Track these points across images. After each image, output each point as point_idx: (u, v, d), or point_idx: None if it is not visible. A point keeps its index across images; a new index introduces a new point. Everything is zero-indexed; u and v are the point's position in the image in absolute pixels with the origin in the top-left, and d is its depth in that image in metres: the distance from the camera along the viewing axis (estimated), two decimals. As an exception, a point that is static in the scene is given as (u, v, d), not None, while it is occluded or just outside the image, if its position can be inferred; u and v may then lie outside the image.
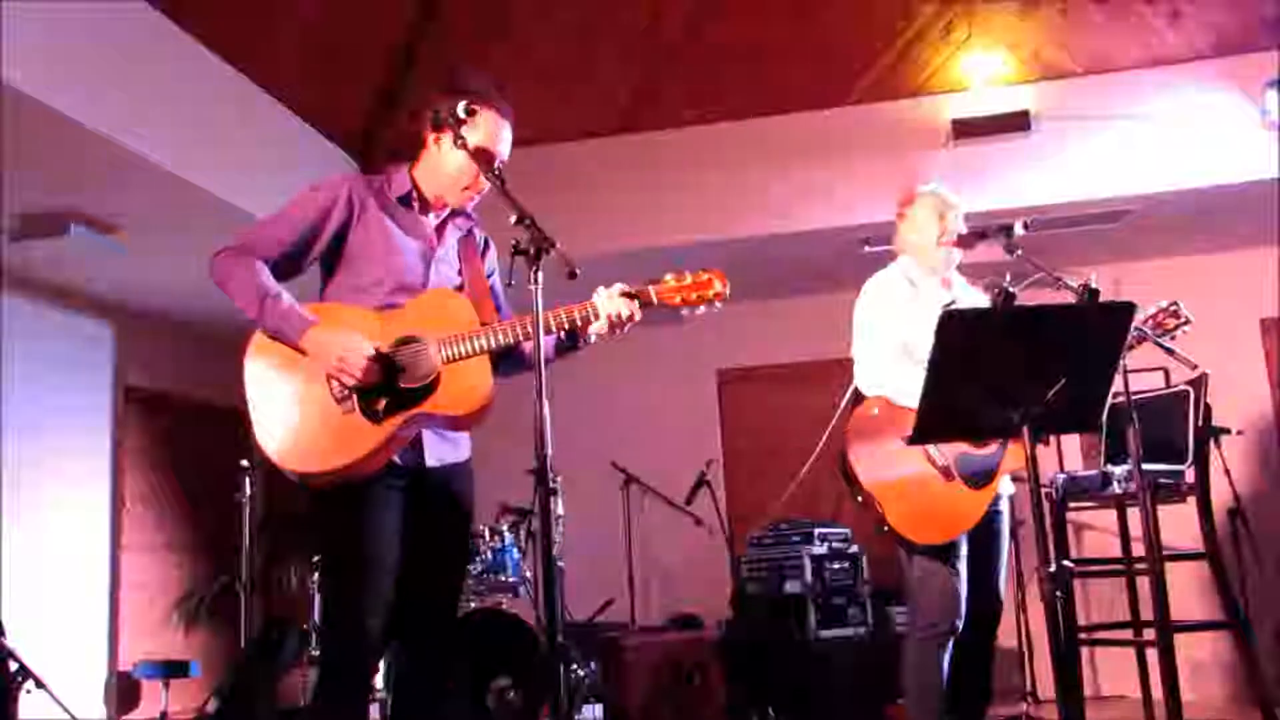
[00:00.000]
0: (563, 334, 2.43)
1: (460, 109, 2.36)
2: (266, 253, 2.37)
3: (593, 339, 2.45)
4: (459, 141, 2.36)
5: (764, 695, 5.03)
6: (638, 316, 2.40)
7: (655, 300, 2.42)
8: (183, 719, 5.50)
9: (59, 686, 4.49)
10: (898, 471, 3.01)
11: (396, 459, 2.33)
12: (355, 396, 2.27)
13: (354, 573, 2.26)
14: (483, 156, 2.39)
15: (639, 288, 2.41)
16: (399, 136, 5.28)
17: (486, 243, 2.65)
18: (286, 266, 2.40)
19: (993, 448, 3.01)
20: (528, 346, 2.44)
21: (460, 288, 2.49)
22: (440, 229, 2.53)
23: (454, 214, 2.55)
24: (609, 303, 2.37)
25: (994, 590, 3.15)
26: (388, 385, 2.28)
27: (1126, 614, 4.54)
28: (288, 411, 2.28)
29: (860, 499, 3.05)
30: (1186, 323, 3.13)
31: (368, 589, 2.24)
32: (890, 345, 3.14)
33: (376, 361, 2.26)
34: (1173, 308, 3.14)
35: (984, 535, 3.09)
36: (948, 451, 3.01)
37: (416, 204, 2.51)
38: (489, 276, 2.60)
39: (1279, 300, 5.83)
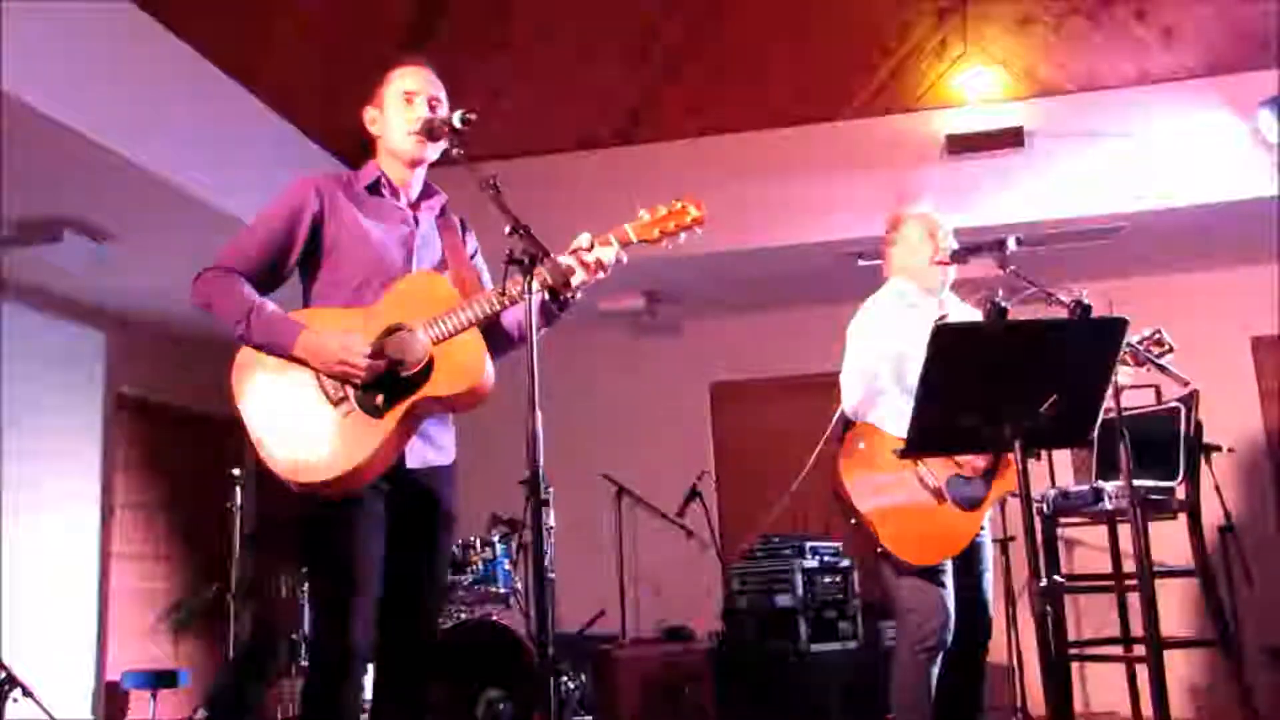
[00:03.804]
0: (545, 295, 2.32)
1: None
2: (245, 267, 2.35)
3: (578, 295, 2.37)
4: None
5: (754, 708, 5.01)
6: (608, 260, 2.33)
7: (634, 238, 2.36)
8: (170, 729, 5.48)
9: (46, 695, 4.46)
10: (890, 495, 3.05)
11: None
12: (352, 396, 2.25)
13: (343, 582, 2.24)
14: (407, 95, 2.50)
15: (615, 231, 2.35)
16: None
17: (464, 223, 2.62)
18: (268, 277, 2.39)
19: (980, 470, 3.04)
20: (507, 316, 2.40)
21: (441, 270, 2.45)
22: (415, 213, 2.51)
23: (424, 195, 2.54)
24: (589, 254, 2.31)
25: (983, 602, 3.17)
26: (382, 378, 2.25)
27: (1117, 630, 4.54)
28: (288, 425, 2.25)
29: (854, 522, 3.08)
30: (1170, 350, 3.23)
31: (357, 598, 2.23)
32: (880, 368, 3.15)
33: (375, 356, 2.23)
34: (1156, 335, 3.25)
35: (967, 548, 3.10)
36: (939, 474, 3.04)
37: (386, 189, 2.50)
38: (472, 256, 2.57)
39: (1273, 318, 5.85)
